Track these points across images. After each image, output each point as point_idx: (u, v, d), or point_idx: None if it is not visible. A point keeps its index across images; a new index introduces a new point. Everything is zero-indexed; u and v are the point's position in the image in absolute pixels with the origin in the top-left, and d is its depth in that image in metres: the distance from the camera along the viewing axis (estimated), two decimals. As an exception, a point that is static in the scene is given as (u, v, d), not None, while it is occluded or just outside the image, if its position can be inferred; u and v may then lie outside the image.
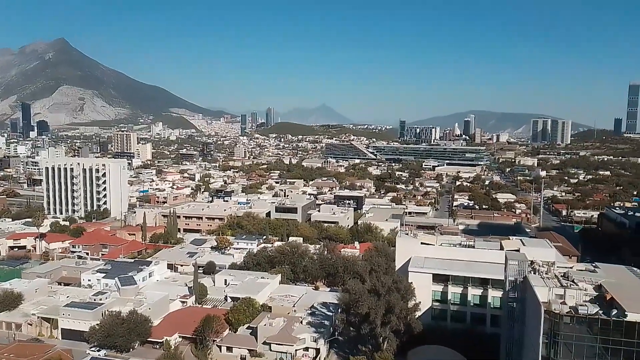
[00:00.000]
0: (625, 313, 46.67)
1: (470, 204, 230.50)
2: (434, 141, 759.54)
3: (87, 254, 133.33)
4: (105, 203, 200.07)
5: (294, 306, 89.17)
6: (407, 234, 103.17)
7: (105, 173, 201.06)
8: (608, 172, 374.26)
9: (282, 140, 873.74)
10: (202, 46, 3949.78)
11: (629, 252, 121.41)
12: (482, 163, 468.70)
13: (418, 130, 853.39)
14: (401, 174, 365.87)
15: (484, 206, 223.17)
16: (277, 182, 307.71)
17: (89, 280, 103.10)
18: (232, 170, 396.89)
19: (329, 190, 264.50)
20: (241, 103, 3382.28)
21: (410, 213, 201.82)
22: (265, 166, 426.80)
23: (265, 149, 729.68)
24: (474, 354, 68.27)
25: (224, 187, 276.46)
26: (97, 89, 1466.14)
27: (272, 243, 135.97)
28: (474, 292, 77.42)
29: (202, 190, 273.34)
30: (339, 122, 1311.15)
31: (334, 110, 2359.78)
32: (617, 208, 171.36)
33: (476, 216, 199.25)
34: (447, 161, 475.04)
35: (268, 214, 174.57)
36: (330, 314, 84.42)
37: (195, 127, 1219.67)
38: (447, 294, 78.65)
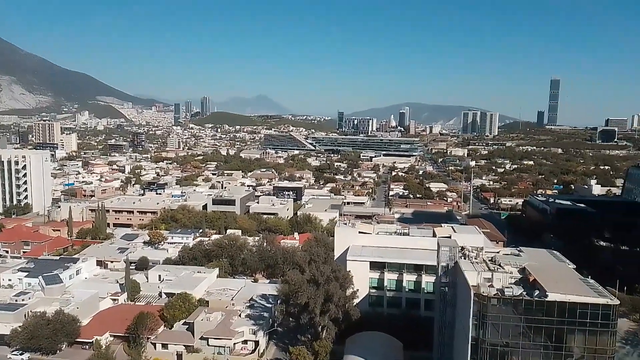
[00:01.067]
0: (546, 293, 49.88)
1: (406, 194, 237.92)
2: (371, 132, 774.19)
3: (7, 252, 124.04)
4: (26, 197, 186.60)
5: (232, 300, 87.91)
6: (346, 224, 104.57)
7: (25, 165, 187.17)
8: (531, 162, 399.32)
9: (219, 130, 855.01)
10: (131, 30, 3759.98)
11: (549, 236, 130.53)
12: (416, 154, 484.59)
13: (356, 121, 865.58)
14: (340, 165, 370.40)
15: (418, 195, 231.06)
16: (214, 174, 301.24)
17: (10, 280, 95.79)
18: (165, 161, 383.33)
19: (268, 182, 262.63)
20: (174, 91, 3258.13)
21: (348, 203, 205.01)
22: (201, 157, 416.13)
23: (201, 140, 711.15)
24: (409, 337, 70.70)
25: (157, 179, 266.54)
26: (15, 74, 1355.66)
27: (209, 236, 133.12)
28: (408, 278, 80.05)
29: (133, 182, 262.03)
30: (278, 112, 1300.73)
31: (272, 101, 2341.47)
32: (539, 195, 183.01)
33: (411, 205, 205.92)
34: (384, 152, 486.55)
35: (205, 207, 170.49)
36: (270, 305, 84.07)
37: (125, 117, 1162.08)
38: (383, 281, 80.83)
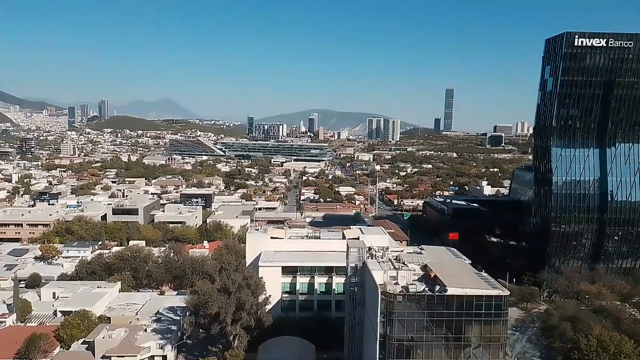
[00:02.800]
0: (446, 288, 53.42)
1: (316, 198, 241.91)
2: (281, 138, 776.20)
3: None
4: None
5: (136, 314, 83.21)
6: (258, 230, 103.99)
7: None
8: (430, 166, 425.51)
9: (119, 135, 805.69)
10: (19, 27, 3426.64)
11: (447, 234, 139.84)
12: (325, 159, 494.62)
13: (266, 127, 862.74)
14: (251, 171, 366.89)
15: (328, 199, 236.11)
16: (114, 182, 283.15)
17: None
18: (58, 169, 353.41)
19: (174, 189, 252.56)
20: (69, 93, 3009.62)
21: (260, 209, 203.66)
22: (100, 164, 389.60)
23: (99, 146, 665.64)
24: (321, 339, 71.81)
25: (49, 188, 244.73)
26: None
27: (109, 249, 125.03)
28: (320, 281, 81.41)
29: (22, 193, 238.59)
30: (184, 117, 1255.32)
31: (178, 105, 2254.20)
32: (437, 197, 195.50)
33: (321, 209, 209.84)
34: (295, 157, 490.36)
35: (104, 217, 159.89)
36: (178, 318, 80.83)
37: (11, 121, 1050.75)
38: (295, 285, 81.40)
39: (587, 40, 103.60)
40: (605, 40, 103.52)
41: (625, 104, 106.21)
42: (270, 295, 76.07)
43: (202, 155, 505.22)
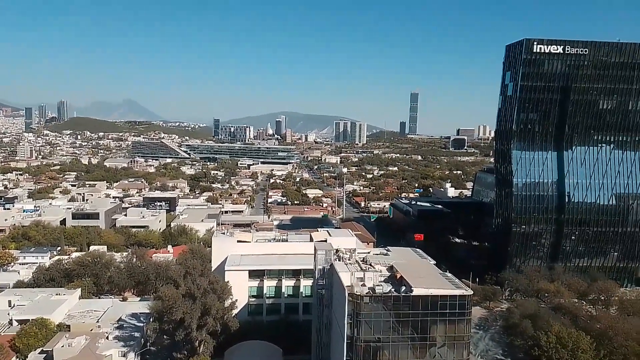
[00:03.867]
0: (412, 289, 54.08)
1: (284, 200, 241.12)
2: (248, 140, 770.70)
3: None
4: None
5: (98, 322, 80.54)
6: (224, 233, 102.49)
7: None
8: (396, 168, 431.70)
9: (79, 137, 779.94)
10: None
11: (413, 235, 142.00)
12: (293, 161, 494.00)
13: (233, 129, 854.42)
14: (217, 173, 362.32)
15: (295, 202, 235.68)
16: (73, 185, 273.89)
17: None
18: (14, 172, 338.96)
19: (137, 192, 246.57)
20: (26, 94, 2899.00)
21: (226, 212, 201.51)
22: (59, 167, 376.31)
23: (58, 148, 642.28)
24: (289, 342, 71.49)
25: (4, 192, 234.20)
26: None
27: (68, 254, 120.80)
28: (287, 284, 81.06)
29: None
30: (148, 118, 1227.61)
31: (141, 106, 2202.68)
32: (403, 199, 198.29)
33: (289, 211, 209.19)
34: (262, 160, 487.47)
35: (63, 222, 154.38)
36: (141, 324, 78.70)
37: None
38: (263, 289, 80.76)
39: (545, 46, 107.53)
40: (562, 47, 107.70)
41: (580, 109, 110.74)
42: (236, 300, 75.07)
43: (166, 157, 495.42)
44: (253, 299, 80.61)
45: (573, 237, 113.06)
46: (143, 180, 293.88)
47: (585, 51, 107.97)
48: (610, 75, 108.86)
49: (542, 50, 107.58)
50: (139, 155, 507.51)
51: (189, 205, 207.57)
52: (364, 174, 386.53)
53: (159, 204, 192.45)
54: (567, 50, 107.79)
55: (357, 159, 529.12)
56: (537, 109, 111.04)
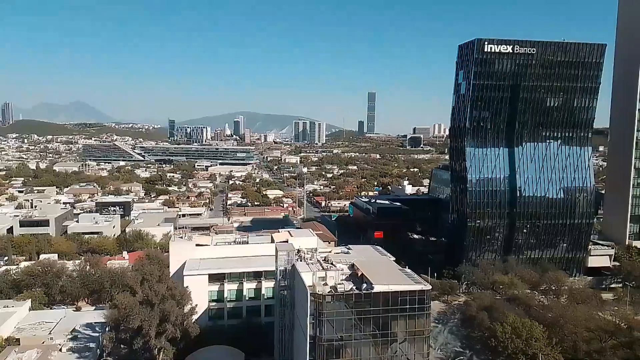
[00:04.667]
0: (373, 286, 54.69)
1: (244, 202, 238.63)
2: (205, 141, 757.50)
3: None
4: None
5: (50, 333, 76.94)
6: (181, 237, 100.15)
7: None
8: (355, 167, 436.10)
9: (26, 141, 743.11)
10: None
11: (373, 233, 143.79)
12: (252, 162, 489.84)
13: (189, 130, 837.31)
14: (173, 176, 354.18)
15: (256, 203, 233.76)
16: (20, 192, 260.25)
17: None
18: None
19: (89, 197, 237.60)
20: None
21: (184, 215, 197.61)
22: (4, 173, 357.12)
23: (3, 152, 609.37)
24: (251, 345, 70.82)
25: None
26: None
27: (17, 264, 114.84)
28: (249, 286, 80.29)
29: None
30: (99, 120, 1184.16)
31: (92, 107, 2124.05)
32: (363, 197, 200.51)
33: (249, 213, 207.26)
34: (220, 161, 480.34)
35: (10, 230, 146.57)
36: (97, 334, 75.85)
37: None
38: (223, 292, 79.69)
39: (496, 46, 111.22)
40: (511, 46, 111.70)
41: (529, 106, 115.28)
42: (196, 305, 73.64)
43: (120, 160, 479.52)
44: (213, 304, 79.36)
45: (525, 230, 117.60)
46: (95, 184, 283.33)
47: (533, 51, 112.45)
48: (557, 73, 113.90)
49: (493, 50, 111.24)
50: (91, 158, 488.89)
51: (144, 209, 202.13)
52: (324, 173, 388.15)
53: (112, 209, 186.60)
54: (516, 50, 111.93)
55: (317, 159, 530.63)
56: (489, 106, 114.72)
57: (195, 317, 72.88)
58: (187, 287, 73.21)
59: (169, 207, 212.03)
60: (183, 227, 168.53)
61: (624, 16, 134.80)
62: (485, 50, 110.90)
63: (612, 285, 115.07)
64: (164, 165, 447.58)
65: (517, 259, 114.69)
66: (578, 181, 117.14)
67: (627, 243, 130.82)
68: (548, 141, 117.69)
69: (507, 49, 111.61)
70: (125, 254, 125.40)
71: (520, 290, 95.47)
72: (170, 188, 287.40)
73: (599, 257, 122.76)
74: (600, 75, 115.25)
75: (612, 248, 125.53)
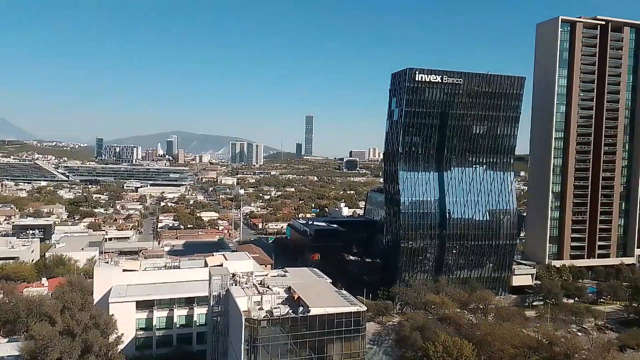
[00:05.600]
0: (309, 309, 54.38)
1: (176, 224, 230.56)
2: (136, 161, 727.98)
3: None
4: None
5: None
6: (107, 262, 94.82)
7: None
8: (293, 189, 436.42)
9: None
10: None
11: (310, 255, 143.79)
12: (186, 183, 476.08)
13: (118, 149, 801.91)
14: (100, 197, 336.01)
15: (189, 225, 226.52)
16: None
17: None
18: None
19: (5, 220, 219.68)
20: None
21: (111, 239, 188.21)
22: None
23: None
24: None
25: None
26: None
27: None
28: (179, 313, 77.05)
29: None
30: (18, 137, 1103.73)
31: (10, 124, 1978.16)
32: (300, 219, 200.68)
33: (182, 236, 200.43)
34: (151, 182, 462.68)
35: None
36: (8, 370, 69.26)
37: None
38: (152, 320, 75.89)
39: (426, 75, 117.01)
40: (440, 76, 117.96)
41: (457, 133, 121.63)
42: (122, 334, 69.58)
43: (41, 180, 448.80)
44: (141, 332, 75.29)
45: (454, 251, 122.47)
46: (13, 206, 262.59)
47: (460, 81, 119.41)
48: (482, 103, 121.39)
49: (423, 79, 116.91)
50: (8, 178, 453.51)
51: (67, 232, 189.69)
52: (261, 195, 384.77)
53: (31, 232, 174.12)
54: (445, 80, 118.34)
55: (254, 180, 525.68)
56: (420, 132, 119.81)
57: (121, 346, 68.87)
58: (112, 315, 69.29)
59: (94, 230, 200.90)
60: (109, 252, 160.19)
61: (540, 51, 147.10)
62: (417, 79, 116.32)
63: (535, 303, 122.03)
64: (90, 186, 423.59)
65: (448, 278, 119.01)
66: (502, 204, 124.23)
67: (547, 262, 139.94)
68: (474, 166, 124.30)
69: (436, 79, 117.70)
70: (44, 280, 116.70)
71: (450, 309, 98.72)
72: (96, 210, 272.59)
73: (522, 277, 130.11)
74: (520, 106, 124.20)
75: (534, 267, 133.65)
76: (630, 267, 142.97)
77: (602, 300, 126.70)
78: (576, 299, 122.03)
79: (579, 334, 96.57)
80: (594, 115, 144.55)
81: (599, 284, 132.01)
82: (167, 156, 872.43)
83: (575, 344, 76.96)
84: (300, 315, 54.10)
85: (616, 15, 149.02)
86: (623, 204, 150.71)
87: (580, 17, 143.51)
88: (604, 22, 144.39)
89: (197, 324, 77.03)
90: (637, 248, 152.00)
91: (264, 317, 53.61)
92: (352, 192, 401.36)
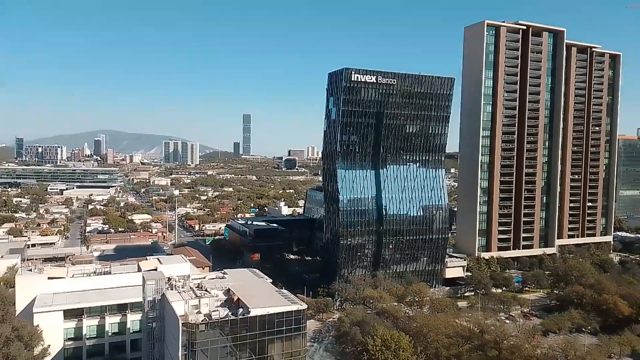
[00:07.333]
0: (249, 310, 53.69)
1: (106, 228, 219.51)
2: (60, 162, 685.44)
3: None
4: None
5: None
6: (31, 270, 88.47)
7: None
8: (231, 189, 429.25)
9: None
10: None
11: (250, 255, 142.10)
12: (116, 184, 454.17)
13: (40, 149, 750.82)
14: (20, 201, 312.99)
15: (120, 229, 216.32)
16: None
17: None
18: None
19: None
20: None
21: (34, 245, 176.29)
22: None
23: None
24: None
25: None
26: None
27: None
28: (112, 321, 73.45)
29: None
30: None
31: None
32: (239, 219, 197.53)
33: (112, 240, 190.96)
34: (78, 184, 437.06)
35: None
36: None
37: None
38: (82, 329, 71.75)
39: (362, 76, 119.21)
40: (375, 77, 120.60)
41: (391, 132, 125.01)
42: (49, 346, 65.43)
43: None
44: (70, 342, 70.98)
45: (391, 246, 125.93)
46: None
47: (394, 81, 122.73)
48: (414, 103, 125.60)
49: (359, 79, 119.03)
50: None
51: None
52: (197, 195, 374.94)
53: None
54: (380, 80, 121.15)
55: (190, 181, 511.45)
56: (357, 131, 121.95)
57: (48, 359, 64.56)
58: (37, 325, 64.97)
59: (15, 237, 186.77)
60: (33, 259, 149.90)
61: (467, 53, 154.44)
62: (353, 79, 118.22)
63: (466, 294, 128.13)
64: (9, 189, 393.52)
65: (385, 273, 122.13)
66: (434, 200, 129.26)
67: (477, 255, 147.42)
68: (408, 164, 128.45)
69: (371, 79, 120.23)
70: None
71: (388, 303, 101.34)
72: (17, 215, 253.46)
73: (454, 269, 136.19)
74: (450, 106, 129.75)
75: (465, 260, 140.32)
76: (552, 256, 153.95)
77: (527, 288, 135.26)
78: (504, 288, 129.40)
79: (507, 321, 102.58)
80: (517, 115, 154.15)
81: (524, 274, 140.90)
82: (94, 156, 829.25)
83: (504, 331, 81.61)
84: (240, 317, 53.32)
85: (539, 21, 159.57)
86: (544, 197, 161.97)
87: (504, 22, 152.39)
88: (525, 27, 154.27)
89: (131, 331, 73.77)
90: (558, 239, 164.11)
91: (202, 320, 52.29)
92: (291, 190, 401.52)
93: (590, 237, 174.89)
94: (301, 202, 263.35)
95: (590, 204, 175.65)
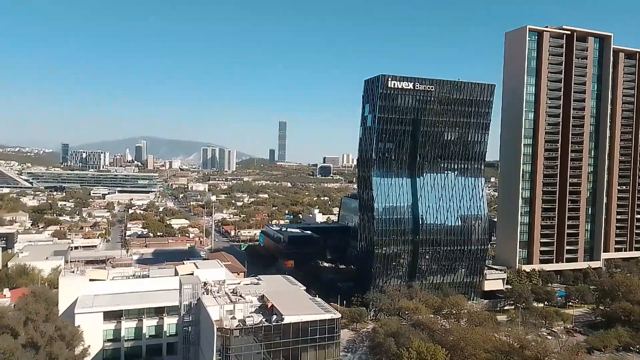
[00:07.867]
0: (283, 317, 53.40)
1: (145, 232, 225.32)
2: (103, 167, 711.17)
3: None
4: None
5: None
6: (73, 272, 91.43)
7: None
8: (266, 195, 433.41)
9: None
10: None
11: (283, 262, 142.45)
12: (155, 190, 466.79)
13: (85, 155, 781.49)
14: (65, 204, 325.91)
15: (159, 233, 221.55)
16: None
17: None
18: None
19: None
20: None
21: (77, 247, 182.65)
22: None
23: None
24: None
25: None
26: None
27: None
28: (149, 324, 74.63)
29: None
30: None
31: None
32: (274, 225, 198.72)
33: (151, 244, 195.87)
34: (119, 188, 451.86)
35: None
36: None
37: None
38: (120, 331, 73.26)
39: (398, 82, 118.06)
40: (412, 83, 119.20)
41: (429, 139, 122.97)
42: (89, 346, 67.09)
43: (3, 187, 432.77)
44: (109, 344, 72.53)
45: (427, 257, 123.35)
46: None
47: (432, 88, 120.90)
48: (453, 110, 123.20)
49: (396, 86, 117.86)
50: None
51: (30, 241, 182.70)
52: (233, 201, 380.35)
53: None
54: (417, 87, 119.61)
55: (226, 187, 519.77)
56: (393, 139, 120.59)
57: (88, 359, 66.37)
58: (78, 326, 66.74)
59: (59, 239, 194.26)
60: (75, 261, 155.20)
61: (509, 60, 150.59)
62: (389, 85, 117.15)
63: (506, 307, 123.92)
64: (54, 193, 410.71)
65: (421, 284, 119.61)
66: (473, 210, 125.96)
67: (517, 267, 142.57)
68: (446, 172, 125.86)
69: (408, 86, 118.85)
70: (6, 291, 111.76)
71: (424, 315, 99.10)
72: (61, 218, 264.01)
73: (493, 281, 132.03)
74: (490, 113, 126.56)
75: (505, 272, 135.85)
76: (597, 270, 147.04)
77: (570, 303, 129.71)
78: (546, 302, 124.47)
79: (549, 337, 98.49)
80: (561, 122, 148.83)
81: (568, 288, 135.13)
82: (135, 162, 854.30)
83: (545, 347, 78.25)
84: (274, 323, 53.09)
85: (581, 26, 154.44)
86: (589, 208, 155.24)
87: (547, 27, 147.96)
88: (569, 32, 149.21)
89: (168, 334, 74.74)
90: (604, 252, 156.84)
91: (236, 326, 52.35)
92: (326, 198, 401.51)
93: (639, 251, 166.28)
94: (335, 210, 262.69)
95: (639, 215, 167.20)
